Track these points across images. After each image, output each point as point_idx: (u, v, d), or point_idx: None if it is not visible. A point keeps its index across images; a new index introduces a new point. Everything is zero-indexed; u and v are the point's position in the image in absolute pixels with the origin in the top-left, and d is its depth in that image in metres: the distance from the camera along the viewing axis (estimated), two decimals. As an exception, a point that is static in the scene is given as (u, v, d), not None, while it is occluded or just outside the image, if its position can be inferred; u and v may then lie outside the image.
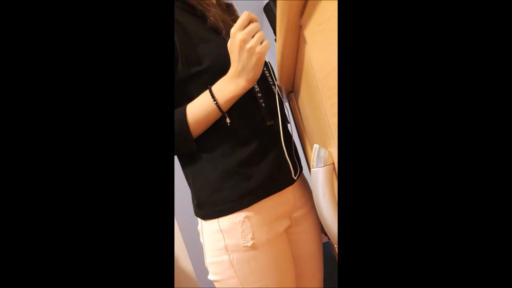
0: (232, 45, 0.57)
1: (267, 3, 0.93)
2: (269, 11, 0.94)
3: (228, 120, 0.62)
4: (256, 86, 0.67)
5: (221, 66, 0.61)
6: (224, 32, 0.68)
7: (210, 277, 0.68)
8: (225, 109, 0.61)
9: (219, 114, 0.61)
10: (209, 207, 0.64)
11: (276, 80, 0.75)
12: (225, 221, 0.63)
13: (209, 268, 0.67)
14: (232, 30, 0.56)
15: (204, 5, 0.68)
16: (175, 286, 1.83)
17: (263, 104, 0.67)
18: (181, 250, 1.87)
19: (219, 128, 0.63)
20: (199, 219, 0.69)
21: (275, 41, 0.51)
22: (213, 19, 0.67)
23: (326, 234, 0.54)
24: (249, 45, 0.55)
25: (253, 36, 0.56)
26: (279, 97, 0.73)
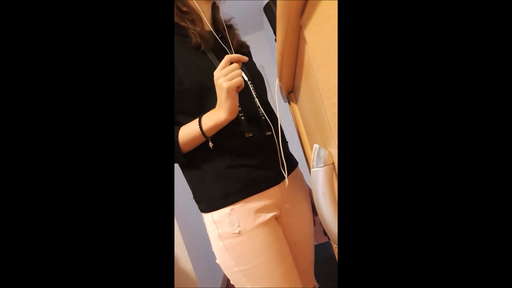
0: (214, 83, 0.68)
1: (267, 3, 0.93)
2: (269, 11, 0.94)
3: (211, 145, 0.73)
4: None
5: (199, 88, 0.71)
6: (203, 46, 0.75)
7: (217, 261, 0.80)
8: (209, 135, 0.72)
9: (203, 139, 0.72)
10: (204, 203, 0.78)
11: (257, 91, 0.82)
12: (216, 214, 0.76)
13: (215, 253, 0.80)
14: (214, 73, 0.66)
15: (188, 21, 0.76)
16: (175, 286, 1.83)
17: (242, 118, 0.76)
18: (181, 250, 1.87)
19: (207, 143, 0.74)
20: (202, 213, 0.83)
21: (275, 41, 0.50)
22: (195, 40, 0.74)
23: (326, 234, 0.54)
24: (219, 81, 0.65)
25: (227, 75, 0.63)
26: (268, 107, 0.82)
